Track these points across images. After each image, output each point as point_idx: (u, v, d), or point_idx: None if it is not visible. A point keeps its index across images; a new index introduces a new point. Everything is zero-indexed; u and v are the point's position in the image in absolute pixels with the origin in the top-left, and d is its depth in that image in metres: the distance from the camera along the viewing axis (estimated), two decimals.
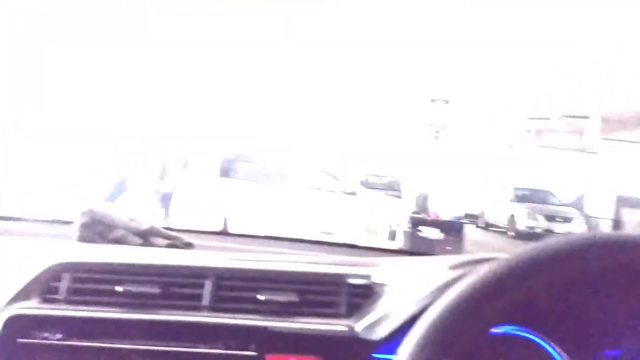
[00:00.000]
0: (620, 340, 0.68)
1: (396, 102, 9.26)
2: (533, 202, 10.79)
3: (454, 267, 0.66)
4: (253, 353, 0.64)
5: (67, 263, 0.71)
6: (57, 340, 0.65)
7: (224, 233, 1.26)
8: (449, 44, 6.23)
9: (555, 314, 0.69)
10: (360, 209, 6.40)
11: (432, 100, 8.64)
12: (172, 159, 6.94)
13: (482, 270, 0.45)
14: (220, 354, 0.64)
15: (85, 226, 1.02)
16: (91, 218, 1.04)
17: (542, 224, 10.19)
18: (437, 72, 7.32)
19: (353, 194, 6.62)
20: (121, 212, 1.08)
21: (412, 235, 6.41)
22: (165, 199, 6.42)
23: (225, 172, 6.77)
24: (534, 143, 11.18)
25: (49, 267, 0.71)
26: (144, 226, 1.05)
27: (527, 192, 11.22)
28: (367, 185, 8.79)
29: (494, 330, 0.74)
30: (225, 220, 5.99)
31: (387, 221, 6.36)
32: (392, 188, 10.02)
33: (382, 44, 6.49)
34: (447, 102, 8.58)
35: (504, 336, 0.73)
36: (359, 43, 6.58)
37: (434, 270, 0.68)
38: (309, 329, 0.66)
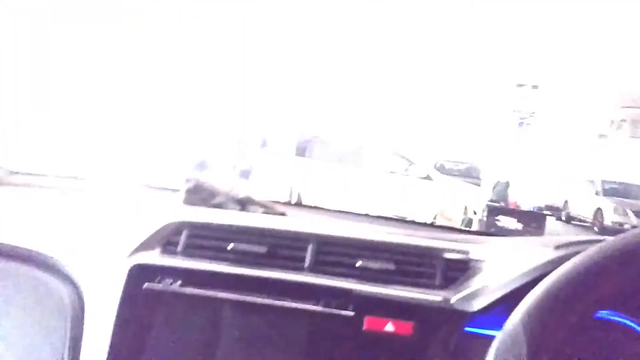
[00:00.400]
0: None
1: (480, 85, 8.94)
2: (623, 196, 10.09)
3: (559, 247, 0.66)
4: (351, 313, 0.69)
5: (186, 221, 0.79)
6: (175, 288, 0.72)
7: (308, 206, 1.31)
8: (538, 25, 5.90)
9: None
10: (435, 194, 6.31)
11: (519, 85, 8.24)
12: (251, 137, 7.17)
13: (598, 247, 0.45)
14: (321, 312, 0.69)
15: (190, 192, 1.11)
16: (195, 185, 1.13)
17: (632, 220, 9.52)
18: (525, 55, 6.96)
19: (428, 178, 6.53)
20: (221, 181, 1.17)
21: (489, 224, 6.22)
22: (244, 177, 6.67)
23: (302, 152, 6.90)
24: (628, 134, 10.42)
25: (170, 223, 0.79)
26: (242, 195, 1.13)
27: (617, 186, 10.50)
28: (443, 170, 8.62)
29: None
30: (299, 197, 6.12)
31: (463, 208, 6.22)
32: (470, 175, 9.76)
33: (468, 24, 6.26)
34: (536, 87, 8.15)
35: (602, 321, 0.73)
36: (441, 24, 6.39)
37: (536, 249, 0.69)
38: (405, 296, 0.69)
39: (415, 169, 6.58)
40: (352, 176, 6.28)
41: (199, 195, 1.11)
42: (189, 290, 0.72)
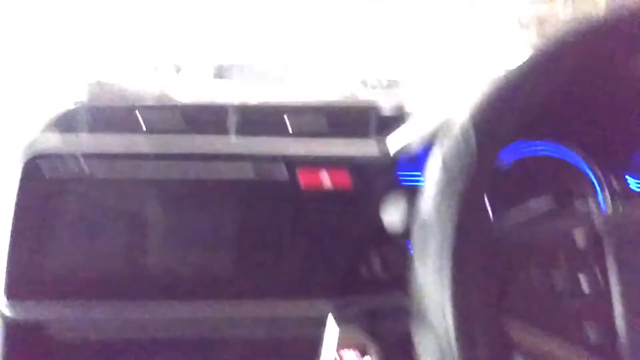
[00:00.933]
0: None
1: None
2: None
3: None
4: (284, 168, 0.65)
5: (86, 103, 0.70)
6: (82, 173, 0.64)
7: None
8: None
9: (580, 123, 0.69)
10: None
11: None
12: (164, 63, 6.76)
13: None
14: (252, 177, 0.64)
15: (92, 86, 1.00)
16: (99, 85, 1.02)
17: None
18: None
19: (353, 95, 6.55)
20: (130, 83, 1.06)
21: None
22: None
23: (220, 75, 6.64)
24: (534, 34, 10.78)
25: (69, 106, 0.70)
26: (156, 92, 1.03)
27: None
28: (366, 86, 8.62)
29: (522, 152, 0.74)
30: None
31: None
32: (391, 88, 9.85)
33: None
34: None
35: (534, 157, 0.74)
36: None
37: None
38: (339, 147, 0.67)
39: (340, 86, 6.55)
40: (275, 95, 6.16)
41: (102, 91, 1.00)
42: (98, 173, 0.64)
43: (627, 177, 0.75)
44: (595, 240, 0.41)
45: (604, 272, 0.40)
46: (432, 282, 0.36)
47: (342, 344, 0.63)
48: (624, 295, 0.40)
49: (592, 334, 0.39)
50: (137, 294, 0.63)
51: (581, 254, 0.41)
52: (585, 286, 0.40)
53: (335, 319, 0.64)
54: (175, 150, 0.66)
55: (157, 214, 0.64)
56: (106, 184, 0.64)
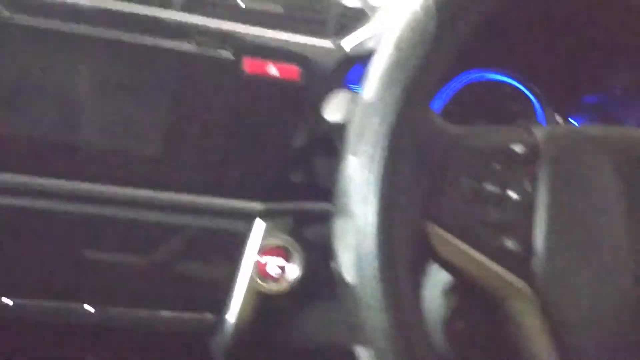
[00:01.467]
0: (600, 84, 0.68)
1: None
2: None
3: None
4: (229, 55, 0.59)
5: None
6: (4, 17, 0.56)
7: None
8: None
9: (535, 57, 0.67)
10: None
11: None
12: None
13: None
14: (194, 53, 0.58)
15: None
16: None
17: None
18: None
19: None
20: None
21: None
22: None
23: None
24: None
25: None
26: None
27: None
28: None
29: (470, 76, 0.72)
30: None
31: None
32: None
33: None
34: None
35: (484, 82, 0.73)
36: None
37: None
38: (292, 40, 0.61)
39: None
40: None
41: None
42: (21, 20, 0.56)
43: (570, 119, 0.75)
44: (533, 150, 0.40)
45: (534, 182, 0.40)
46: (360, 171, 0.34)
47: (266, 249, 0.61)
48: (548, 207, 0.39)
49: (510, 248, 0.39)
50: (50, 163, 0.58)
51: (516, 162, 0.40)
52: (512, 192, 0.40)
53: (261, 220, 0.62)
54: (108, 5, 0.58)
55: (82, 75, 0.57)
56: (29, 34, 0.56)
